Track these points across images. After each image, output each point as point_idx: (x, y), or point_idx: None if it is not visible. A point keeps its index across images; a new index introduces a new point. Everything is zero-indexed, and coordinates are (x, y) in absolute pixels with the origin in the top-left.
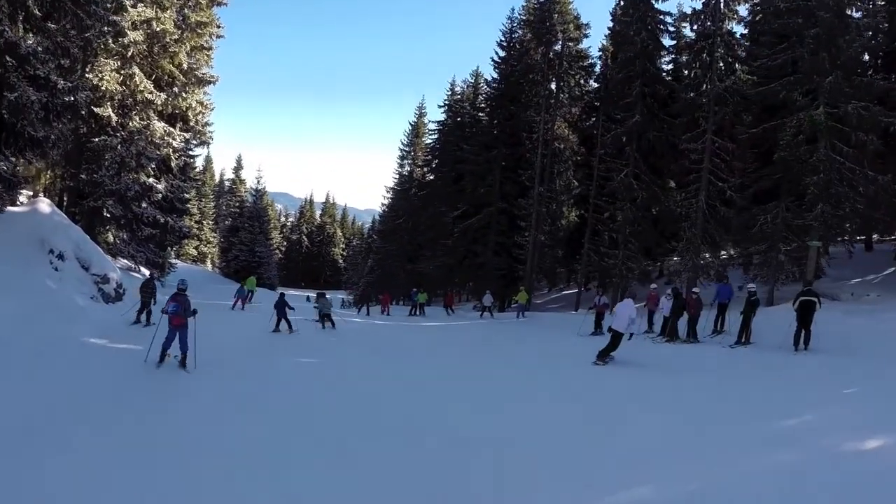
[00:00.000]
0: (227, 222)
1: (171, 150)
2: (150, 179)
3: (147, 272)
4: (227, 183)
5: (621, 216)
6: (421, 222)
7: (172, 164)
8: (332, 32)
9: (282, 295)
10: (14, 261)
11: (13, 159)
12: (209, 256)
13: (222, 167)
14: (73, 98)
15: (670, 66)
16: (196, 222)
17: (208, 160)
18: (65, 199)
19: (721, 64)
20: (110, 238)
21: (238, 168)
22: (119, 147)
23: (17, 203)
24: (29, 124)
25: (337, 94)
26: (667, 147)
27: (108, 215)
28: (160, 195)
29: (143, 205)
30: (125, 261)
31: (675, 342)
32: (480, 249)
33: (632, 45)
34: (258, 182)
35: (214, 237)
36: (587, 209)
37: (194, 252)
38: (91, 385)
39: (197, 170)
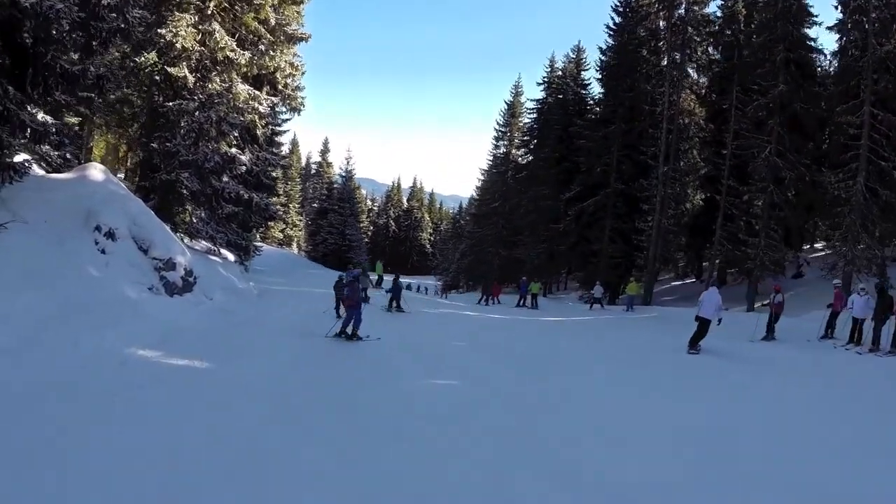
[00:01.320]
0: (314, 205)
1: (256, 115)
2: (233, 150)
3: (230, 256)
4: (313, 166)
5: (762, 200)
6: (520, 205)
7: (258, 133)
8: (418, 13)
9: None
10: (47, 240)
11: (42, 104)
12: (295, 240)
13: (308, 150)
14: (121, 19)
15: (811, 30)
16: (282, 204)
17: (294, 143)
18: (137, 173)
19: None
20: (187, 216)
21: (325, 151)
22: (196, 112)
23: (63, 168)
24: (60, 50)
25: (420, 77)
26: (815, 121)
27: (185, 191)
28: (244, 167)
29: (225, 178)
30: (205, 242)
31: (882, 353)
32: (595, 235)
33: (771, 6)
34: (347, 163)
35: (301, 220)
36: (716, 191)
37: (280, 235)
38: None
39: (285, 147)
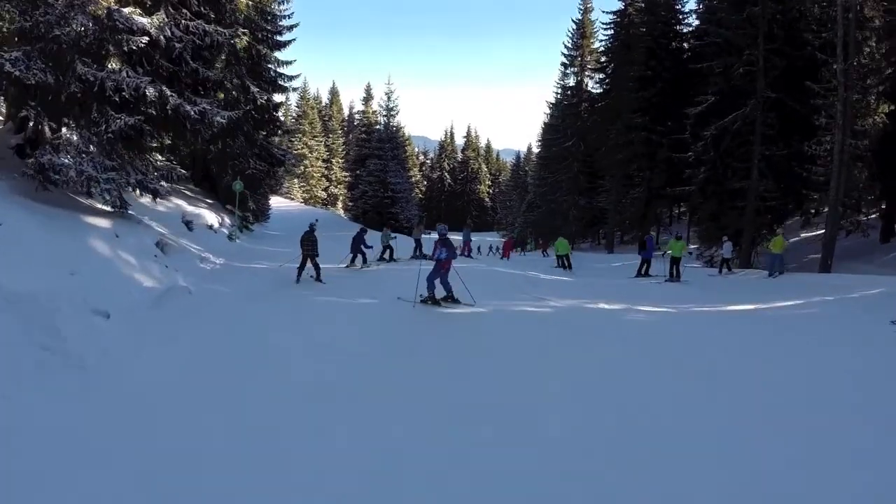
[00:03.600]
0: (351, 152)
1: None
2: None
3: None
4: (356, 116)
5: None
6: (601, 142)
7: None
8: None
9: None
10: None
11: None
12: (340, 199)
13: (350, 100)
14: None
15: None
16: (324, 161)
17: (334, 92)
18: None
19: None
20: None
21: (367, 98)
22: None
23: None
24: None
25: (463, 24)
26: None
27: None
28: (145, 40)
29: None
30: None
31: None
32: (738, 166)
33: None
34: (388, 98)
35: (346, 177)
36: None
37: (323, 194)
38: None
39: (294, 67)
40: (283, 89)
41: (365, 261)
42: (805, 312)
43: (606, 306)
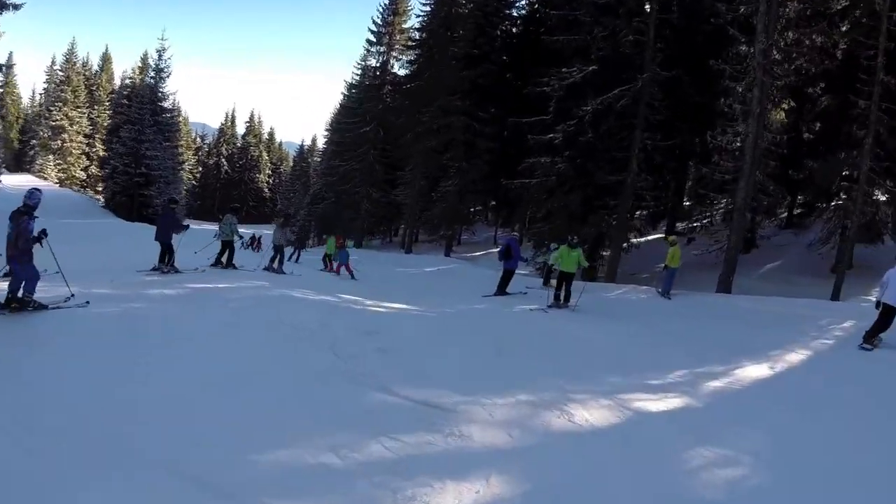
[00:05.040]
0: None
1: None
2: None
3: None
4: (127, 82)
5: None
6: (407, 128)
7: None
8: None
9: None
10: None
11: None
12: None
13: (124, 70)
14: None
15: None
16: (86, 136)
17: (106, 58)
18: None
19: None
20: None
21: (143, 68)
22: None
23: None
24: None
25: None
26: None
27: None
28: None
29: None
30: None
31: None
32: (615, 156)
33: None
34: (159, 56)
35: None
36: (849, 89)
37: (83, 174)
38: None
39: None
40: None
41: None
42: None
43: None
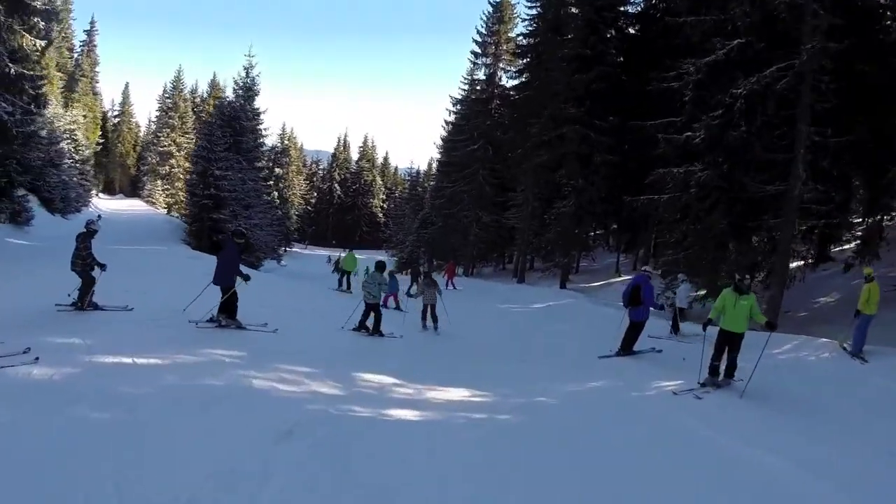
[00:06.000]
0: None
1: None
2: None
3: None
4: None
5: None
6: (516, 144)
7: None
8: None
9: None
10: None
11: None
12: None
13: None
14: None
15: None
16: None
17: (214, 85)
18: None
19: None
20: None
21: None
22: None
23: None
24: None
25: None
26: None
27: None
28: None
29: None
30: None
31: None
32: (773, 157)
33: None
34: (247, 74)
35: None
36: None
37: (166, 198)
38: None
39: None
40: None
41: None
42: None
43: None
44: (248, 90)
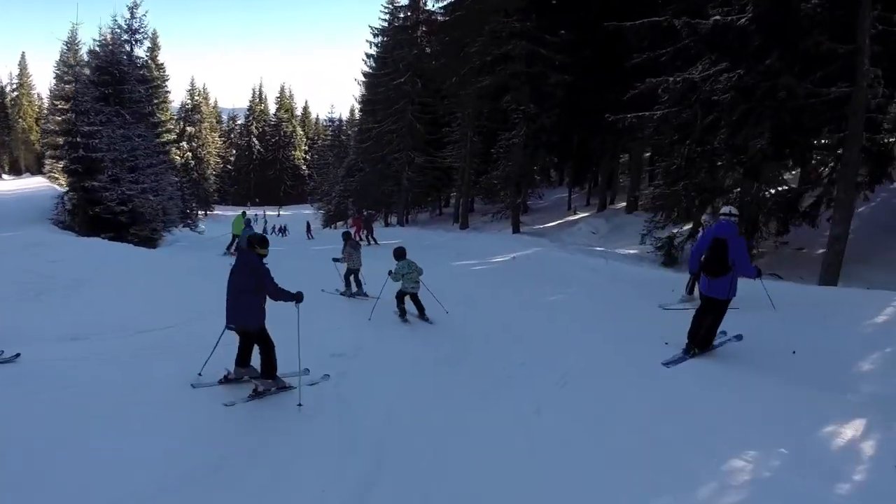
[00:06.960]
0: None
1: None
2: None
3: None
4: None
5: None
6: (451, 72)
7: None
8: None
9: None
10: None
11: None
12: None
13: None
14: None
15: None
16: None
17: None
18: None
19: None
20: None
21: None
22: None
23: None
24: None
25: None
26: None
27: None
28: None
29: None
30: None
31: None
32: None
33: None
34: (131, 15)
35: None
36: None
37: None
38: None
39: None
40: None
41: None
42: None
43: None
44: (133, 33)
